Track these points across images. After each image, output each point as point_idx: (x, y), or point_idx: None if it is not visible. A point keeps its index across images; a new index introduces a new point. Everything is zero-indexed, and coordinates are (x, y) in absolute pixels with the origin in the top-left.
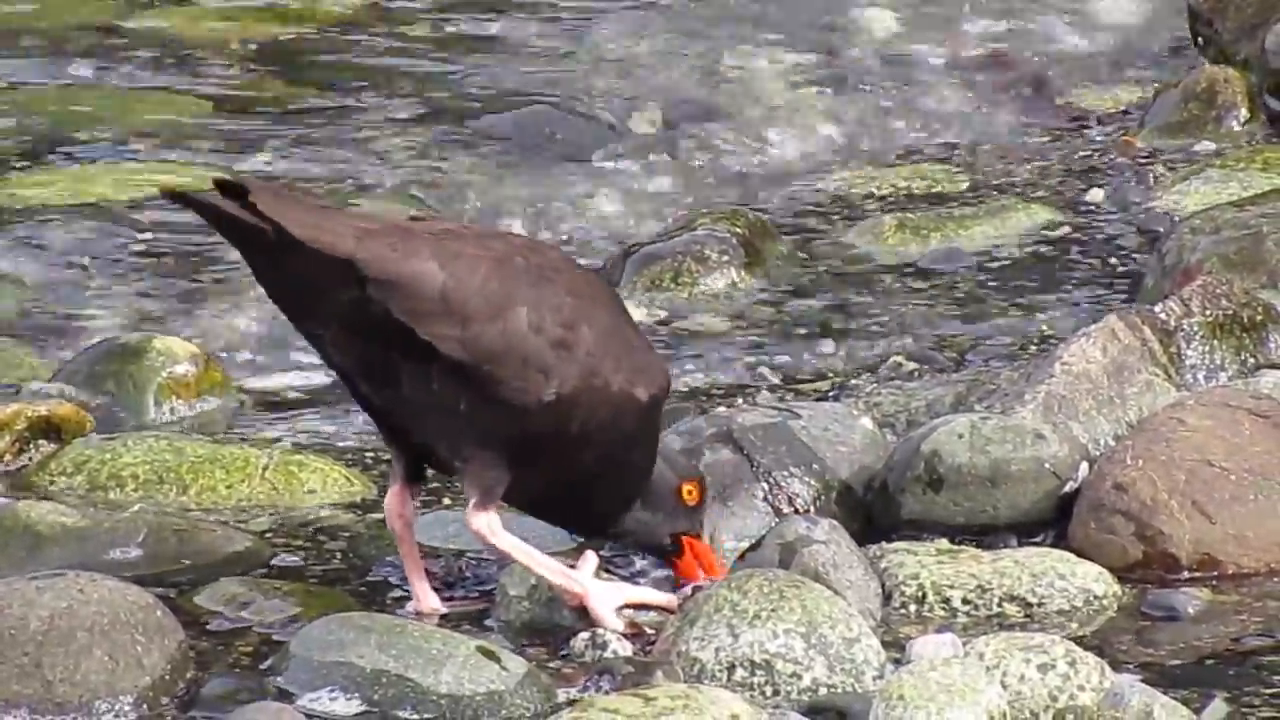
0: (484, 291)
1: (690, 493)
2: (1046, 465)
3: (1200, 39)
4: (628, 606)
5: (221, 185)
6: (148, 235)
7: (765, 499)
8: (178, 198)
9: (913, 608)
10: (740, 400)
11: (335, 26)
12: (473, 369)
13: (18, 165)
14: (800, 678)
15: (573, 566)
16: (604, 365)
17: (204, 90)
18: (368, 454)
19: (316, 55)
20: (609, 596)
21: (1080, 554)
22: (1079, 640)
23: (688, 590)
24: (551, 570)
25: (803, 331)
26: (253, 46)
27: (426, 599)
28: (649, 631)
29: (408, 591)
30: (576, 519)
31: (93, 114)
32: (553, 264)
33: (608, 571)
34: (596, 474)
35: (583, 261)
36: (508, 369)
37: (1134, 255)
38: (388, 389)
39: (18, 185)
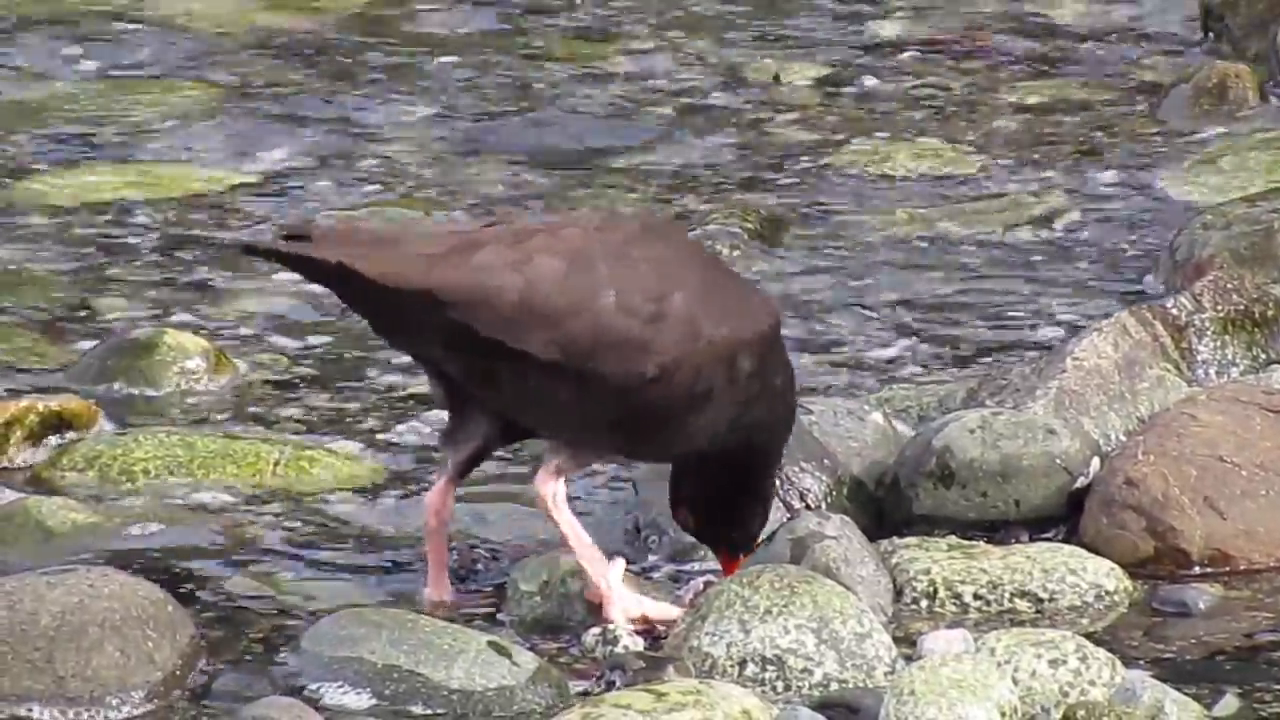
0: (564, 289)
1: None
2: (1058, 460)
3: (1211, 33)
4: (643, 620)
5: (288, 234)
6: (159, 228)
7: (777, 494)
8: (250, 250)
9: (924, 603)
10: None
11: (351, 17)
12: (572, 364)
13: (29, 160)
14: (811, 673)
15: None
16: (703, 324)
17: (216, 82)
18: (379, 437)
19: (332, 47)
20: (628, 606)
21: (1091, 549)
22: (1090, 636)
23: (699, 585)
24: (591, 560)
25: (814, 326)
26: (266, 37)
27: (442, 587)
28: (660, 628)
29: (420, 586)
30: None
31: (103, 107)
32: (632, 235)
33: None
34: (742, 430)
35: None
36: (606, 356)
37: (1145, 250)
38: (492, 391)
39: (29, 180)
